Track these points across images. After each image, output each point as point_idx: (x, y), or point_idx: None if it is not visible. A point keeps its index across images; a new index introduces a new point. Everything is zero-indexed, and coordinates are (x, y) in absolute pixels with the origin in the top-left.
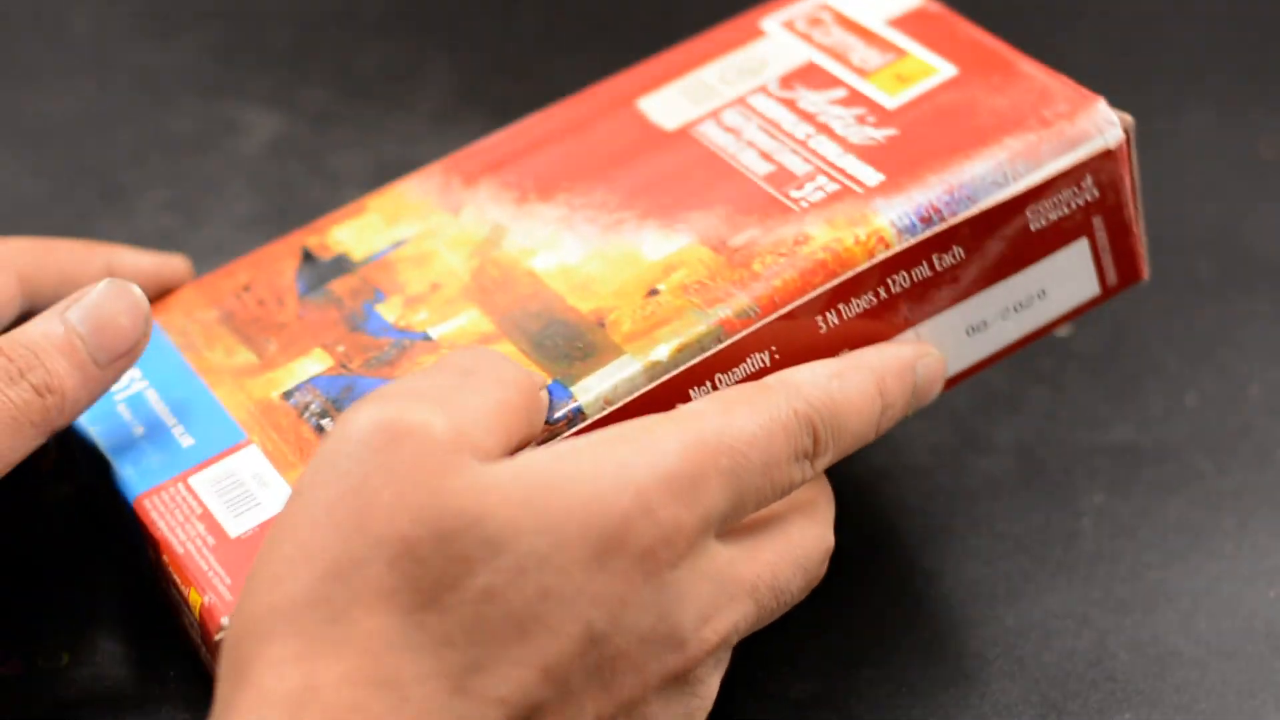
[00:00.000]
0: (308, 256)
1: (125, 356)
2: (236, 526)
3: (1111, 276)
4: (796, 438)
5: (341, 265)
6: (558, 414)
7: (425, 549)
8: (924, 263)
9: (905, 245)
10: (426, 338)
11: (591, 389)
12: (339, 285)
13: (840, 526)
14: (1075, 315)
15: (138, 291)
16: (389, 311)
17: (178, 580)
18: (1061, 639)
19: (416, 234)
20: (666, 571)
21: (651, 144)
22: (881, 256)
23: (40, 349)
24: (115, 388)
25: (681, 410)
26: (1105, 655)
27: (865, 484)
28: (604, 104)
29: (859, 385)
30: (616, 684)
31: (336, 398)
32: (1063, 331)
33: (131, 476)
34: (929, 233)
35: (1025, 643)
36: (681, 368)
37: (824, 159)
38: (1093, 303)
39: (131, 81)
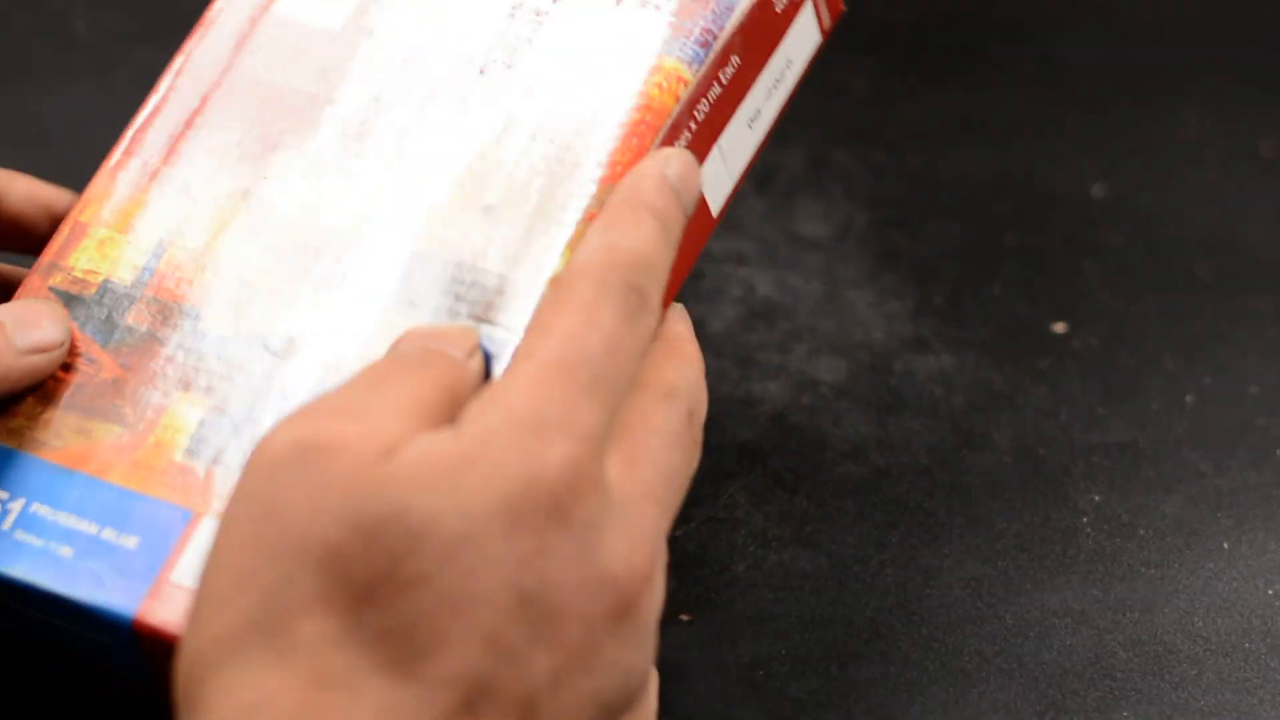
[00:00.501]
0: (69, 300)
1: (43, 354)
2: None
3: (826, 19)
4: (621, 303)
5: (114, 294)
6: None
7: (351, 549)
8: (715, 83)
9: (698, 75)
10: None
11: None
12: (135, 318)
13: (841, 526)
14: (807, 71)
15: (57, 306)
16: (215, 327)
17: None
18: (1060, 637)
19: (158, 235)
20: (577, 513)
21: (328, 46)
22: (686, 94)
23: None
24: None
25: (520, 350)
26: (1103, 653)
27: (864, 482)
28: (244, 24)
29: (631, 221)
30: (561, 637)
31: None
32: (1060, 329)
33: (111, 602)
34: (712, 55)
35: (1024, 641)
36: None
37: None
38: (817, 51)
39: (131, 81)
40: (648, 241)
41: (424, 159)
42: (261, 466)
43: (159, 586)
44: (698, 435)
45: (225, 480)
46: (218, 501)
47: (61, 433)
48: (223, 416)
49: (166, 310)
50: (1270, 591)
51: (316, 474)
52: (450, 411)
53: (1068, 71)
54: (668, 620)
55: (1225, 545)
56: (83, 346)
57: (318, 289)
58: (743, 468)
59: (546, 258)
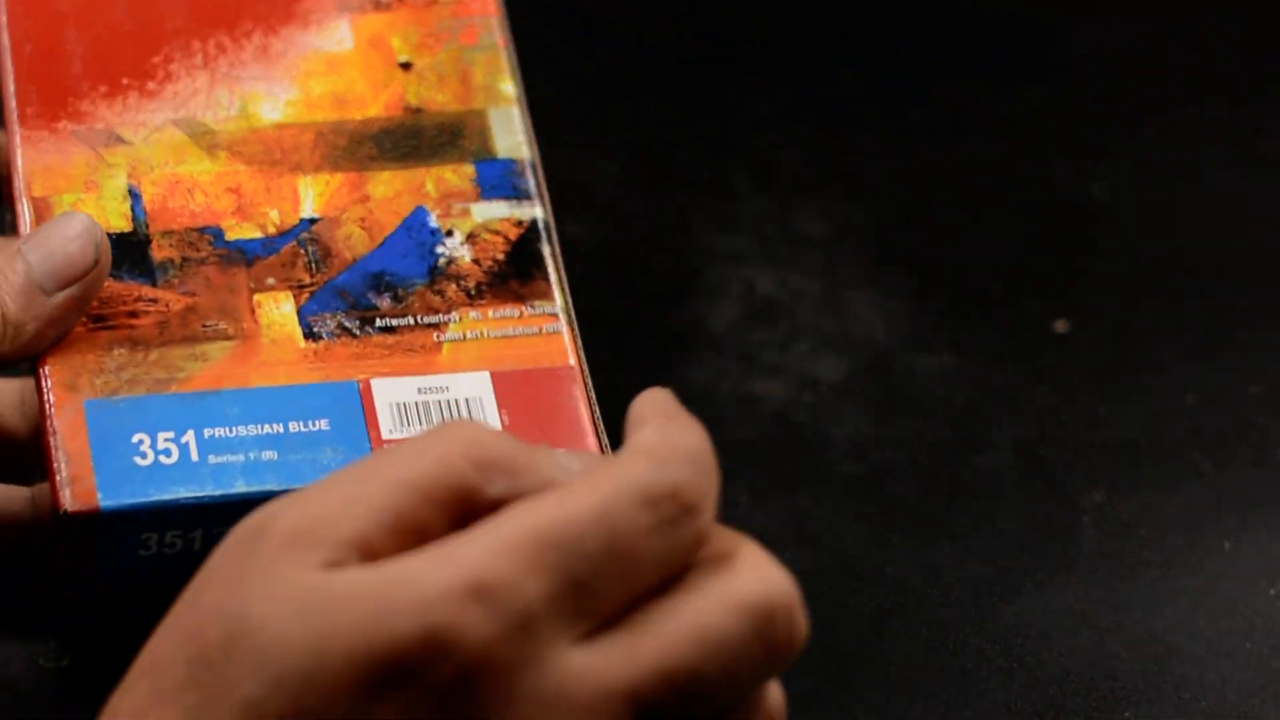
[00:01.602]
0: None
1: (78, 283)
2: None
3: None
4: (652, 507)
5: (126, 243)
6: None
7: (213, 651)
8: None
9: None
10: (311, 221)
11: (511, 145)
12: (162, 254)
13: (842, 525)
14: None
15: (91, 221)
16: (239, 230)
17: None
18: (1061, 636)
19: (121, 181)
20: (486, 703)
21: None
22: None
23: None
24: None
25: (521, 506)
26: (1105, 653)
27: (864, 481)
28: None
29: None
30: None
31: (353, 292)
32: (1061, 328)
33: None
34: None
35: (1025, 640)
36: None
37: None
38: None
39: None
40: (703, 447)
41: None
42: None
43: (380, 448)
44: (754, 667)
45: (353, 346)
46: (364, 364)
47: (178, 366)
48: (313, 292)
49: (185, 236)
50: (1272, 591)
51: (235, 561)
52: (408, 535)
53: (1069, 71)
54: None
55: (1227, 545)
56: (135, 293)
57: None
58: (743, 467)
59: (504, 87)
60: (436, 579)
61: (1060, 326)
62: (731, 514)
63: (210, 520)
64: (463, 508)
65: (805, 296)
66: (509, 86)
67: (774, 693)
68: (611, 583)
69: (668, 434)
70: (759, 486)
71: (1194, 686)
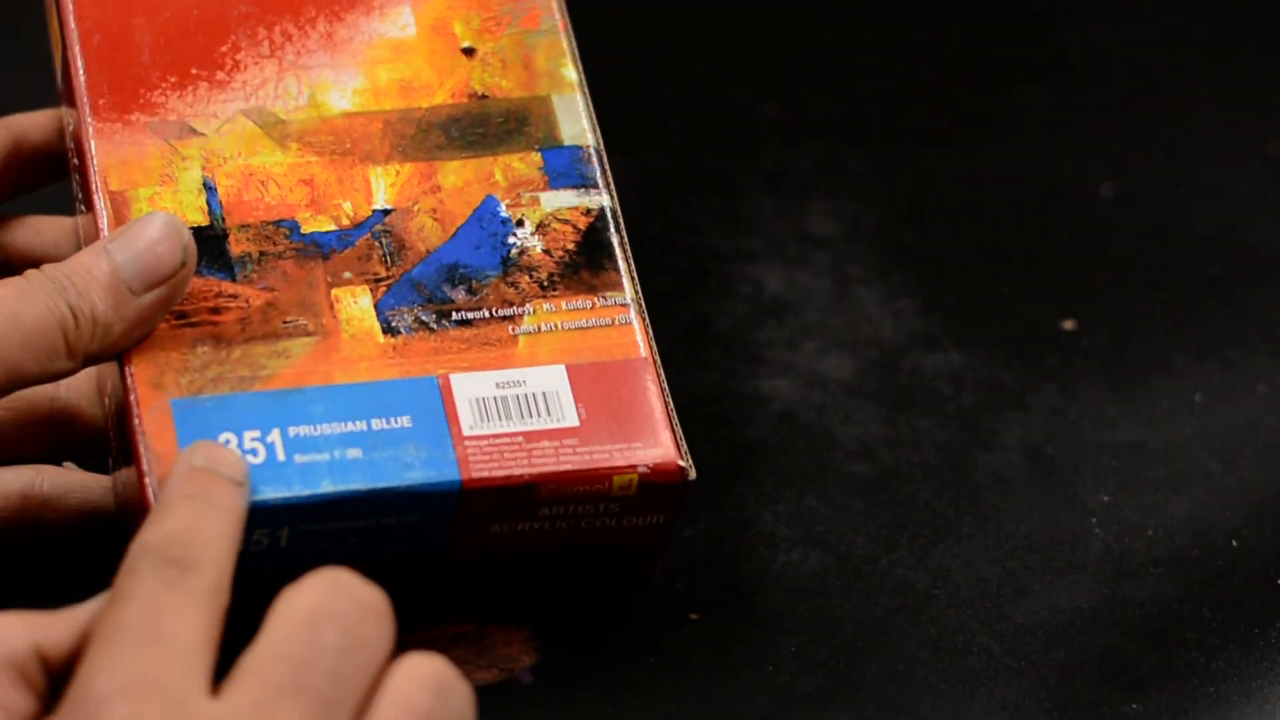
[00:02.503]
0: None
1: (165, 284)
2: (547, 421)
3: None
4: (154, 576)
5: (205, 237)
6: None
7: None
8: None
9: None
10: (384, 212)
11: (576, 132)
12: (240, 248)
13: (850, 525)
14: None
15: (177, 221)
16: (314, 223)
17: (592, 486)
18: (1069, 636)
19: (196, 174)
20: None
21: None
22: None
23: (74, 272)
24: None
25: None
26: (1112, 652)
27: (872, 481)
28: None
29: (165, 510)
30: None
31: (428, 285)
32: (1069, 327)
33: (431, 477)
34: None
35: (1033, 640)
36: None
37: None
38: None
39: None
40: (174, 524)
41: None
42: None
43: (460, 445)
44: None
45: (430, 340)
46: (442, 358)
47: (261, 363)
48: (389, 285)
49: (261, 230)
50: None
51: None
52: None
53: (1077, 71)
54: (676, 619)
55: (1234, 543)
56: (215, 289)
57: None
58: (751, 466)
59: (566, 72)
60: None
61: (1068, 326)
62: (739, 514)
63: (296, 519)
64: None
65: (814, 296)
66: (571, 72)
67: None
68: (173, 636)
69: (141, 535)
70: (767, 486)
71: (1201, 673)
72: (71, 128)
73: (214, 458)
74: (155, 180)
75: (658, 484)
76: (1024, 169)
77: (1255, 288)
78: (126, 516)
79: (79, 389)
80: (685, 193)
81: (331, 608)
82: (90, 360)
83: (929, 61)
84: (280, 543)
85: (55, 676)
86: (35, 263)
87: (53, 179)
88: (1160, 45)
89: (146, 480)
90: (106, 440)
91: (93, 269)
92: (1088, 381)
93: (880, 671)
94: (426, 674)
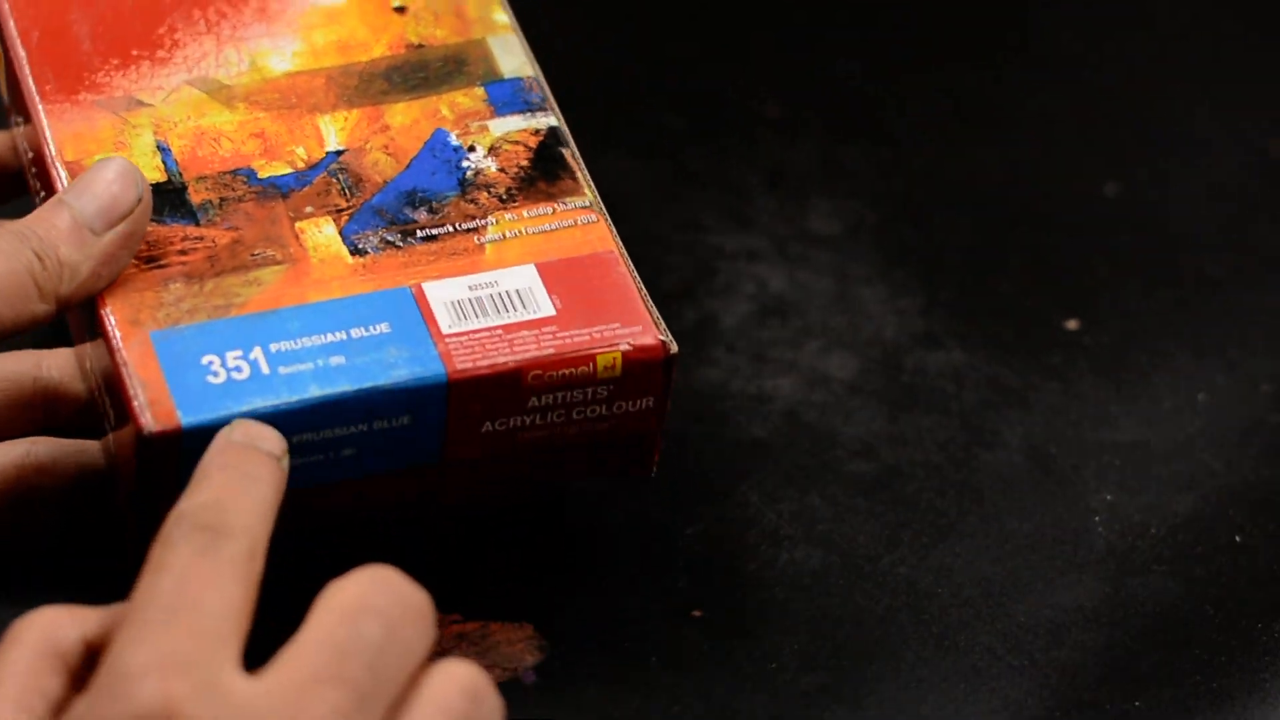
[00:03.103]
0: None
1: (124, 221)
2: (524, 314)
3: None
4: (186, 543)
5: (163, 192)
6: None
7: None
8: None
9: None
10: (338, 153)
11: (515, 65)
12: (199, 197)
13: (853, 524)
14: None
15: (129, 163)
16: (270, 169)
17: (577, 369)
18: (1072, 635)
19: (149, 138)
20: None
21: None
22: None
23: (34, 223)
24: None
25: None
26: (1115, 650)
27: (875, 480)
28: None
29: (201, 482)
30: None
31: (390, 210)
32: (1072, 326)
33: (417, 373)
34: None
35: (1035, 638)
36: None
37: None
38: None
39: None
40: (209, 492)
41: None
42: None
43: (442, 342)
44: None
45: (399, 256)
46: (413, 270)
47: (234, 292)
48: (351, 214)
49: (218, 179)
50: None
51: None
52: None
53: (1080, 70)
54: (678, 616)
55: (1238, 539)
56: (180, 234)
57: None
58: (754, 465)
59: (496, 15)
60: (109, 678)
61: (1071, 325)
62: (741, 512)
63: (289, 428)
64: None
65: (816, 294)
66: (502, 15)
67: None
68: (201, 606)
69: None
70: (769, 485)
71: (1205, 669)
72: (23, 129)
73: (251, 433)
74: (109, 148)
75: (641, 360)
76: (1026, 168)
77: (1258, 287)
78: (118, 468)
79: (61, 367)
80: (687, 191)
81: (376, 603)
82: (64, 302)
83: (932, 60)
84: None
85: (97, 664)
86: None
87: (10, 197)
88: (1163, 44)
89: (135, 404)
90: (93, 416)
91: (52, 218)
92: (1090, 380)
93: (882, 670)
94: (463, 678)
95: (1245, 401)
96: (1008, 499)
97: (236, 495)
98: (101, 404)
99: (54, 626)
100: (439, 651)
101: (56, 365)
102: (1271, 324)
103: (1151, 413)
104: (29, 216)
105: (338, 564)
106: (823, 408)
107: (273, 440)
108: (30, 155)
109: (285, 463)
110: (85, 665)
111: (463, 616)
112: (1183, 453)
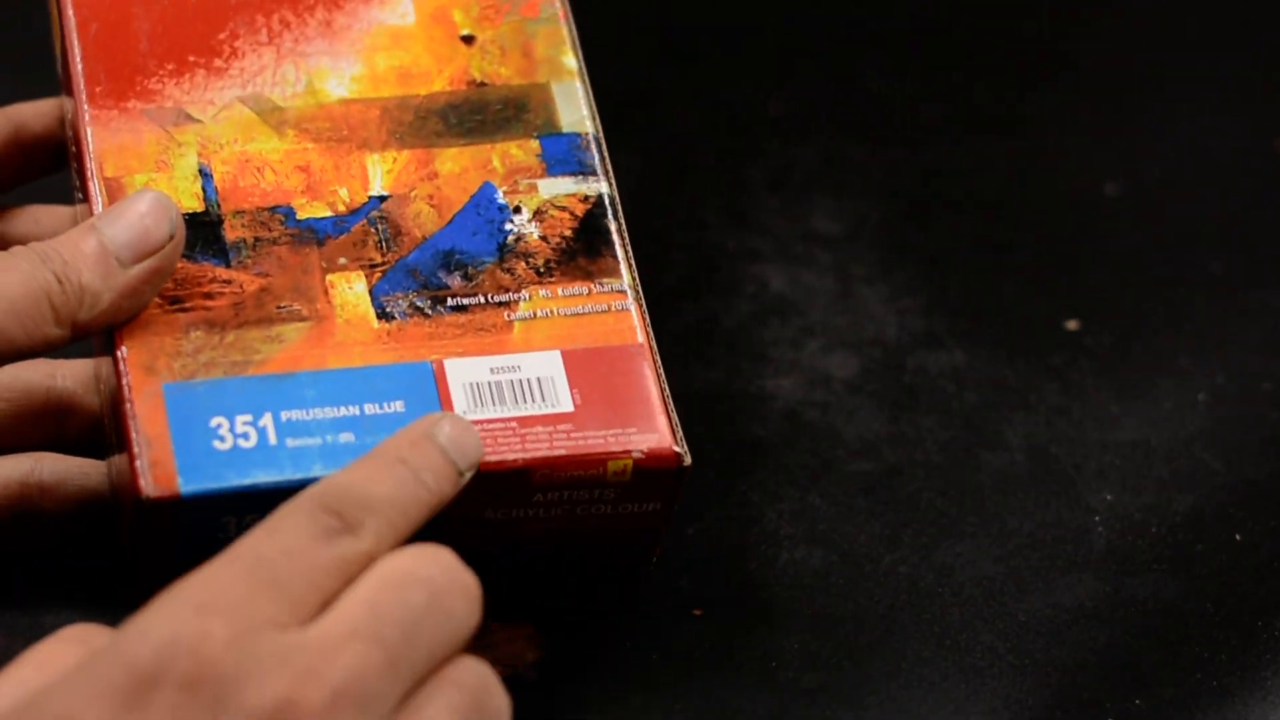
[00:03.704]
0: None
1: (155, 256)
2: (542, 407)
3: None
4: (312, 521)
5: (198, 223)
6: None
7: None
8: None
9: None
10: (380, 199)
11: (575, 119)
12: (235, 234)
13: (854, 523)
14: None
15: (165, 197)
16: (310, 209)
17: (587, 472)
18: (1072, 634)
19: (192, 160)
20: (212, 676)
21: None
22: None
23: (59, 245)
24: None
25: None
26: (1116, 649)
27: (876, 480)
28: None
29: (374, 461)
30: None
31: (424, 271)
32: (1073, 326)
33: None
34: None
35: (1036, 638)
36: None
37: None
38: None
39: None
40: (381, 482)
41: None
42: None
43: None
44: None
45: (425, 326)
46: (437, 344)
47: (254, 348)
48: (384, 271)
49: (256, 216)
50: None
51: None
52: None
53: (1082, 68)
54: (679, 615)
55: (1238, 538)
56: (209, 274)
57: None
58: (755, 465)
59: (566, 60)
60: (171, 600)
61: (1072, 325)
62: (743, 512)
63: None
64: None
65: (818, 294)
66: (570, 60)
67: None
68: (302, 579)
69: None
70: (770, 484)
71: (1207, 666)
72: (70, 116)
73: (456, 437)
74: (151, 166)
75: (653, 469)
76: (1029, 167)
77: (1259, 287)
78: (121, 503)
79: (76, 377)
80: (689, 190)
81: (424, 573)
82: (81, 329)
83: (934, 59)
84: None
85: None
86: None
87: (54, 168)
88: (1166, 43)
89: (137, 464)
90: (104, 429)
91: (79, 242)
92: (1091, 381)
93: (883, 669)
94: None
95: (1246, 401)
96: (1009, 498)
97: (393, 493)
98: (108, 427)
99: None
100: None
101: (71, 375)
102: (1271, 324)
103: (1152, 412)
104: (57, 239)
105: None
106: (824, 407)
107: (470, 456)
108: (71, 135)
109: (467, 478)
110: None
111: None
112: (1183, 452)
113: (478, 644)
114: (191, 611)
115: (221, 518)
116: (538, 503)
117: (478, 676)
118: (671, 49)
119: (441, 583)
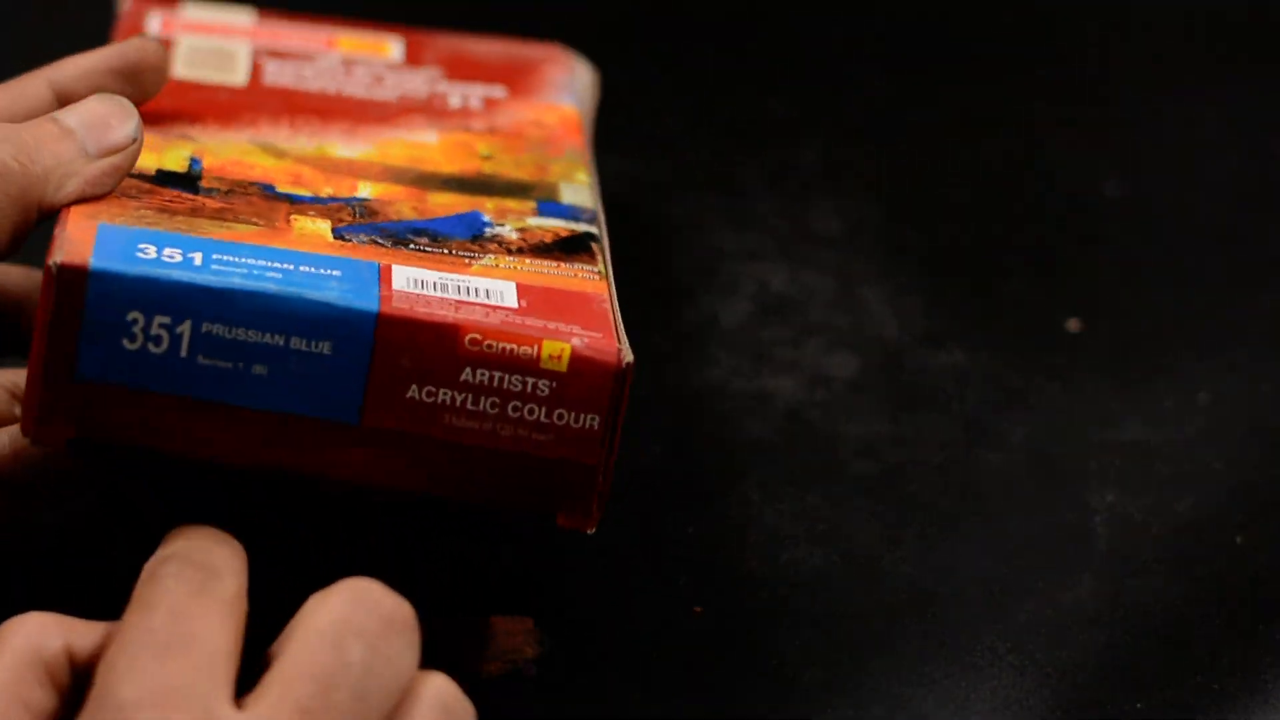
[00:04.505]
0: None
1: (117, 153)
2: (495, 302)
3: None
4: (178, 580)
5: (177, 176)
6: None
7: None
8: None
9: None
10: (365, 199)
11: (578, 201)
12: (210, 184)
13: (854, 523)
14: None
15: (124, 99)
16: (291, 189)
17: (520, 348)
18: (1073, 634)
19: (185, 151)
20: None
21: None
22: None
23: (23, 127)
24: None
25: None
26: (1117, 650)
27: (876, 480)
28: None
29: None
30: None
31: (391, 231)
32: (1074, 326)
33: (350, 300)
34: None
35: (1036, 638)
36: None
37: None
38: None
39: None
40: (203, 531)
41: None
42: None
43: (386, 290)
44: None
45: (381, 249)
46: (389, 258)
47: (202, 228)
48: (349, 224)
49: (234, 183)
50: None
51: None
52: None
53: (1081, 68)
54: (679, 613)
55: (1239, 540)
56: (173, 194)
57: None
58: (755, 464)
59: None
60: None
61: (1073, 325)
62: (743, 512)
63: (201, 311)
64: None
65: (818, 294)
66: (584, 175)
67: None
68: (196, 639)
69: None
70: (770, 484)
71: (1208, 669)
72: None
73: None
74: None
75: (591, 361)
76: (1029, 167)
77: (1260, 287)
78: (20, 467)
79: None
80: (689, 189)
81: (358, 623)
82: (46, 212)
83: (934, 60)
84: (180, 348)
85: (79, 677)
86: None
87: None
88: (1166, 43)
89: (54, 244)
90: None
91: (44, 124)
92: (1092, 381)
93: (883, 668)
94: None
95: (1246, 401)
96: (1009, 499)
97: (220, 540)
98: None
99: (40, 634)
100: (439, 647)
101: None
102: (1274, 324)
103: (1153, 413)
104: (23, 124)
105: (330, 568)
106: (824, 407)
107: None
108: None
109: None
110: (70, 678)
111: (463, 611)
112: (1184, 453)
113: (477, 639)
114: (152, 707)
115: (128, 313)
116: (465, 384)
117: (436, 692)
118: (671, 49)
119: (377, 628)
